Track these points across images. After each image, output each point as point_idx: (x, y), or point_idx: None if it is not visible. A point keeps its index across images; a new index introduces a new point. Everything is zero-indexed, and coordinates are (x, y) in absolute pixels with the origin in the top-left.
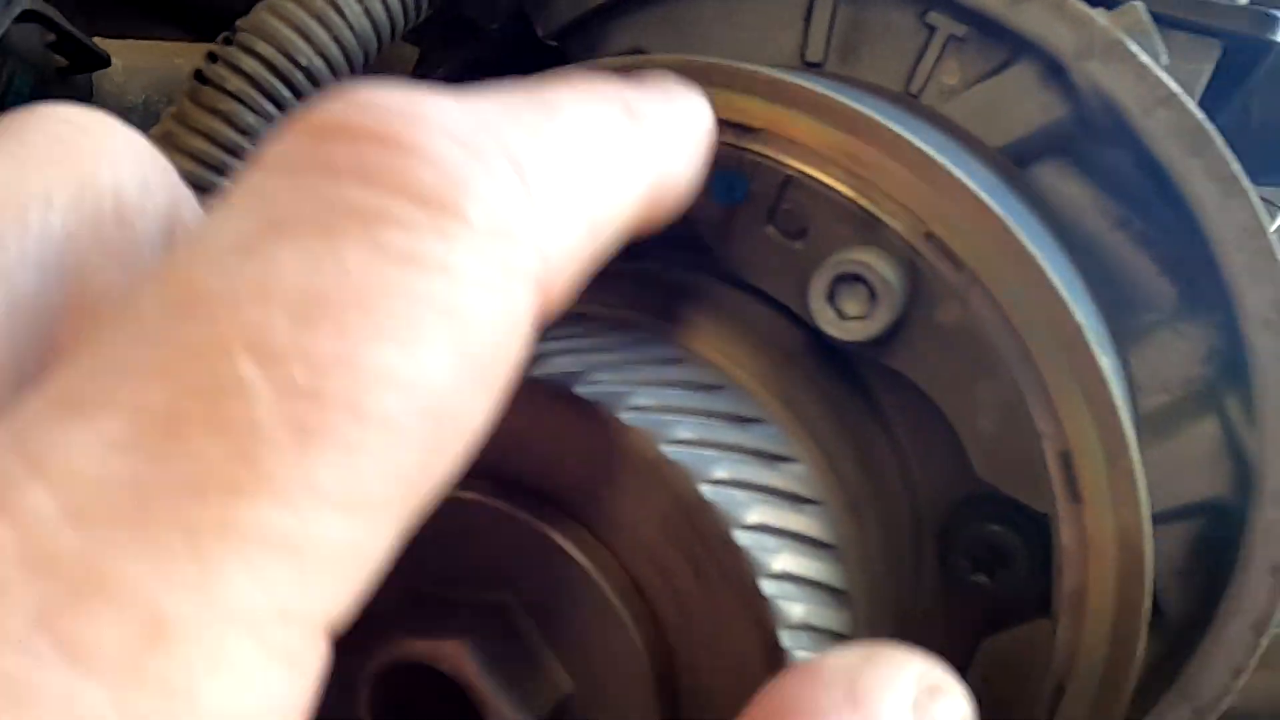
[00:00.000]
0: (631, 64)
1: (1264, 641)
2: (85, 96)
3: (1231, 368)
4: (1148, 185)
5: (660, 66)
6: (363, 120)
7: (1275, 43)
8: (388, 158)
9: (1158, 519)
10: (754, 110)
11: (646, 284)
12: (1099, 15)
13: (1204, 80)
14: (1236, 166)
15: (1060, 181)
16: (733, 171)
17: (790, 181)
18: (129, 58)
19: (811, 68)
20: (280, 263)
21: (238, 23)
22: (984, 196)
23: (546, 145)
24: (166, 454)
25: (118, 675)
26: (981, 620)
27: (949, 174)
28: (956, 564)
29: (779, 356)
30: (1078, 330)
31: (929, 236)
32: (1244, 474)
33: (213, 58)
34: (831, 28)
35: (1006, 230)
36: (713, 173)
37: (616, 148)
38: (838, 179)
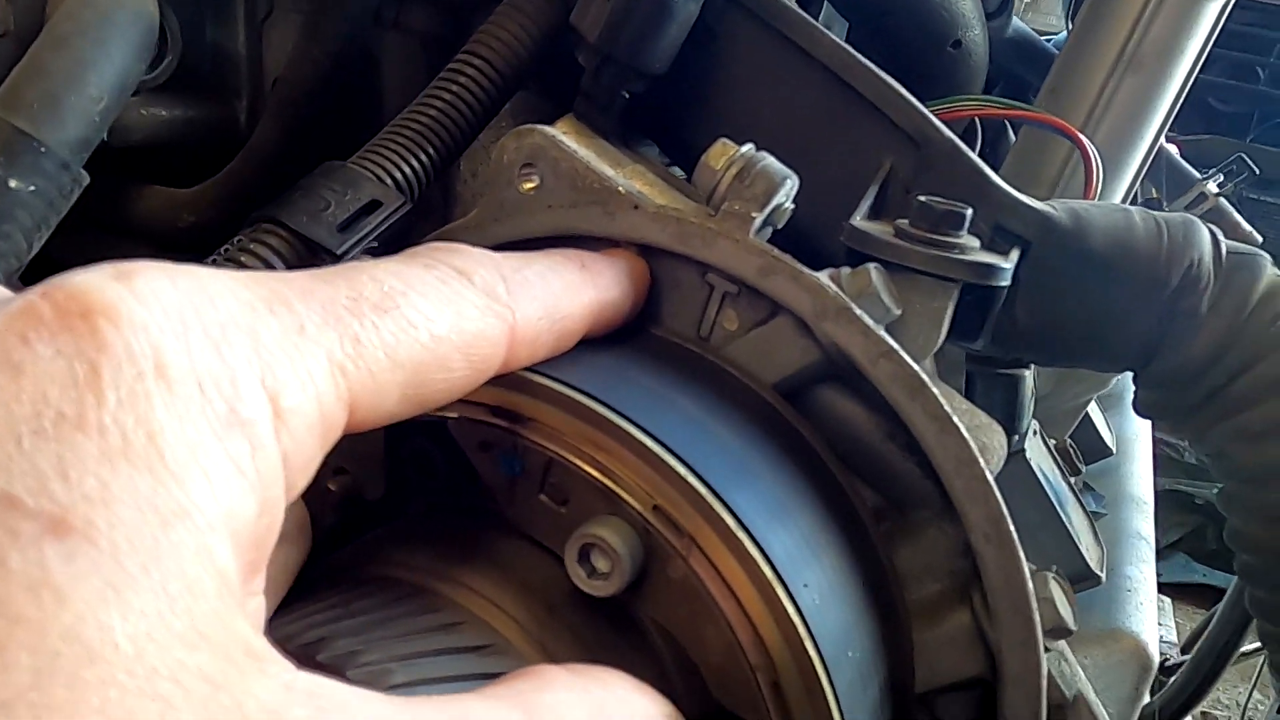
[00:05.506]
0: None
1: None
2: None
3: (975, 567)
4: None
5: None
6: (454, 248)
7: (998, 288)
8: (455, 259)
9: (945, 690)
10: (525, 405)
11: (455, 539)
12: (831, 279)
13: (949, 312)
14: (948, 407)
15: (837, 401)
16: (512, 452)
17: (552, 462)
18: None
19: None
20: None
21: None
22: (691, 479)
23: (520, 272)
24: None
25: None
26: None
27: (666, 461)
28: None
29: (545, 608)
30: (771, 586)
31: (656, 509)
32: (990, 657)
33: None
34: None
35: (715, 505)
36: (499, 452)
37: (567, 279)
38: (586, 462)
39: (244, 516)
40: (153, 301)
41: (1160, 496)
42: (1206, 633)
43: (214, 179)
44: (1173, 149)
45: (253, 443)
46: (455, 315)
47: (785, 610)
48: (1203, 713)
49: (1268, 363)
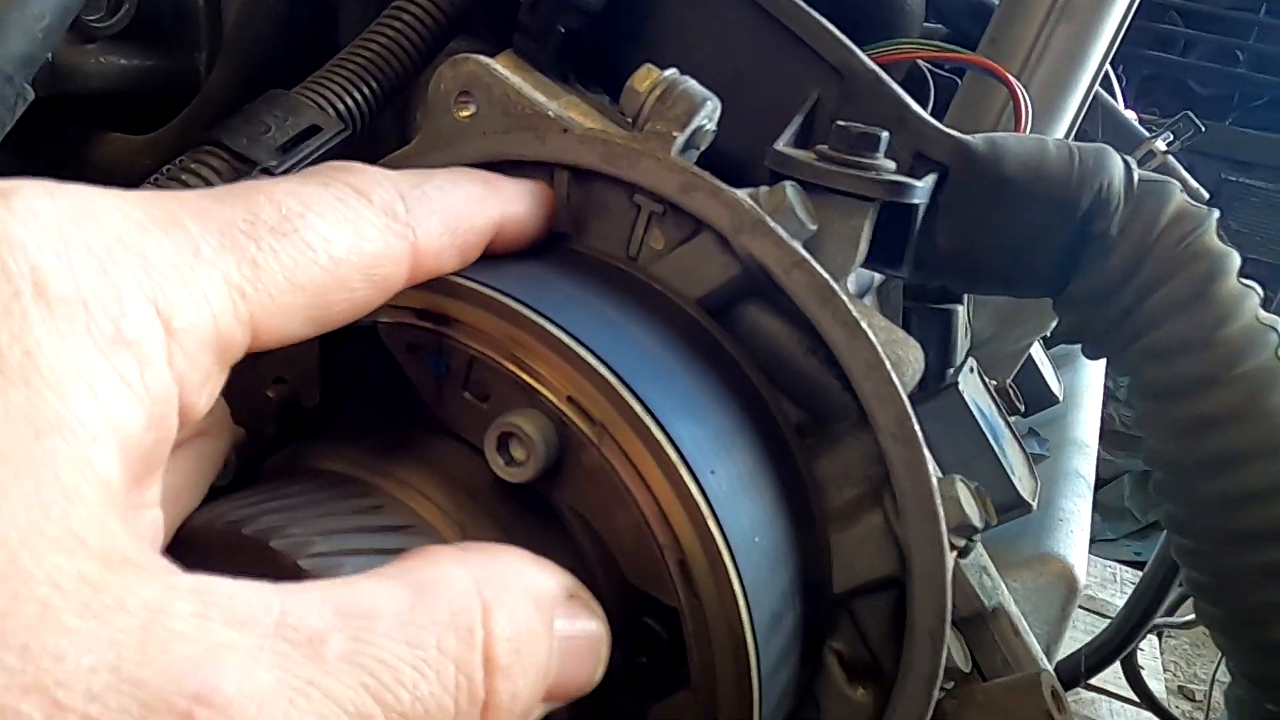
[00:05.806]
0: None
1: (935, 695)
2: None
3: (887, 471)
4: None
5: None
6: (350, 167)
7: (913, 205)
8: (351, 178)
9: (863, 590)
10: (451, 307)
11: (385, 437)
12: (749, 197)
13: (866, 231)
14: (857, 314)
15: (761, 318)
16: (437, 352)
17: (475, 360)
18: None
19: (559, 236)
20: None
21: None
22: (603, 370)
23: (419, 188)
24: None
25: None
26: (648, 691)
27: (581, 355)
28: (625, 647)
29: (466, 495)
30: (678, 470)
31: (570, 400)
32: (901, 556)
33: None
34: (567, 205)
35: (626, 396)
36: (425, 353)
37: (469, 191)
38: (506, 359)
39: (130, 429)
40: (30, 219)
41: (1140, 478)
42: (1139, 581)
43: (169, 125)
44: (1132, 114)
45: (140, 360)
46: (354, 236)
47: (690, 492)
48: (1179, 687)
49: (1174, 283)
